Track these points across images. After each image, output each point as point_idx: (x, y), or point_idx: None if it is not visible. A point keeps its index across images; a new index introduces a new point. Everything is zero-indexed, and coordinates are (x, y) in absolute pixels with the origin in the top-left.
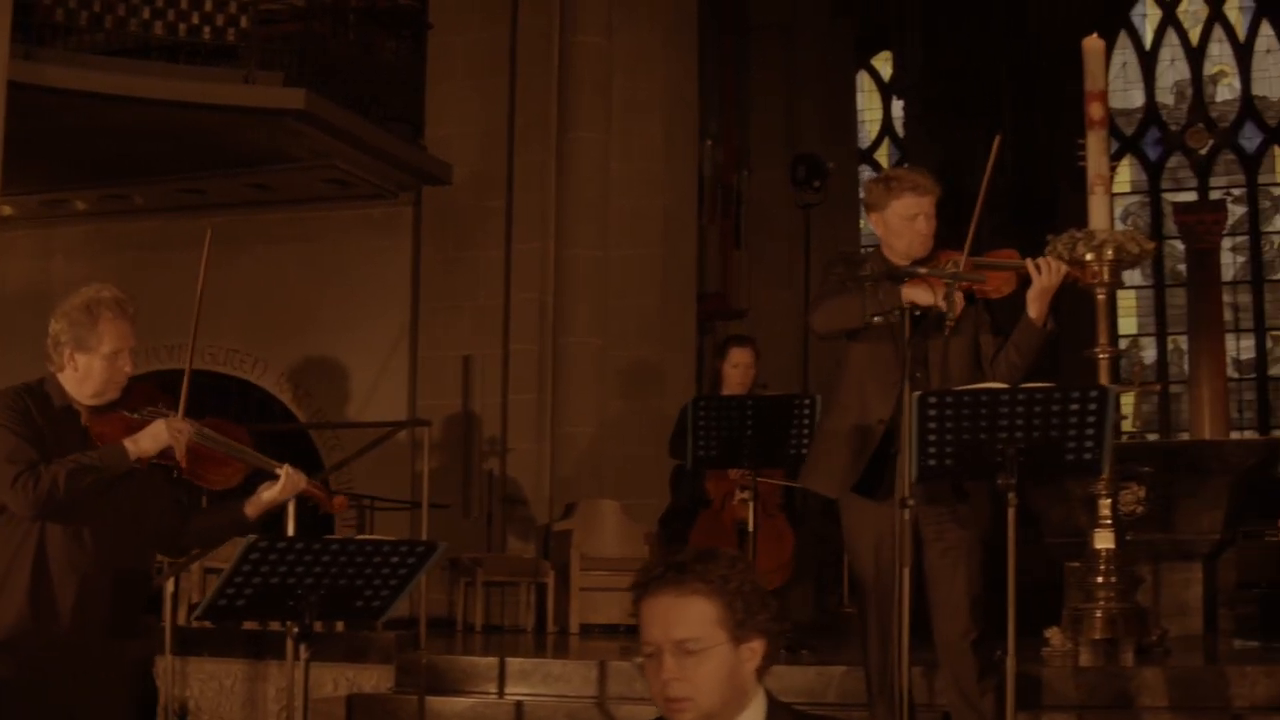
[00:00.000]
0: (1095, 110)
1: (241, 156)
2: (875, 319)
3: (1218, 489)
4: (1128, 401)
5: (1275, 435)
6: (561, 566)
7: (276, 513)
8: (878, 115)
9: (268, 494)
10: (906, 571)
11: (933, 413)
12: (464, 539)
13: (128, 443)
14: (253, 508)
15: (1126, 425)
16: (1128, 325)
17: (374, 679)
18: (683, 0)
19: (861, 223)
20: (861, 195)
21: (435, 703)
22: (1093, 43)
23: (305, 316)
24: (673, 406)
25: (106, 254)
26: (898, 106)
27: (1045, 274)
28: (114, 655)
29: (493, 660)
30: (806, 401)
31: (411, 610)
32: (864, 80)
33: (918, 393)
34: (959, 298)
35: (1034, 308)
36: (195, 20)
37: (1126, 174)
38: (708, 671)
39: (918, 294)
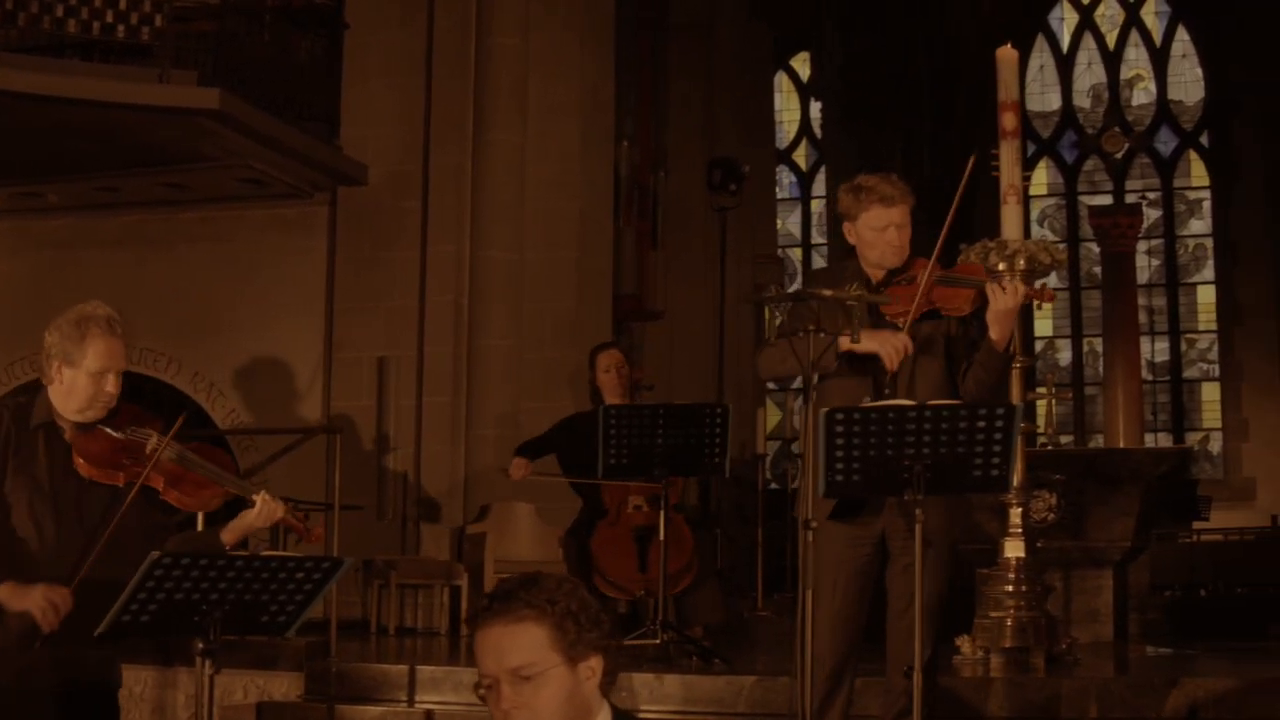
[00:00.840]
0: (1008, 120)
1: (156, 155)
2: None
3: (1129, 497)
4: (1041, 407)
5: (1186, 444)
6: (475, 569)
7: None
8: (796, 115)
9: (245, 521)
10: (810, 594)
11: (840, 429)
12: (378, 541)
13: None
14: (230, 534)
15: (1040, 426)
16: (1043, 327)
17: (284, 686)
18: (600, 1)
19: (779, 223)
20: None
21: (345, 711)
22: (1006, 53)
23: (220, 316)
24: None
25: (20, 251)
26: (815, 107)
27: (1004, 295)
28: (73, 665)
29: (403, 668)
30: (718, 410)
31: (325, 613)
32: (782, 80)
33: (825, 409)
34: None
35: (995, 329)
36: (109, 18)
37: (1043, 176)
38: (547, 696)
39: (863, 345)
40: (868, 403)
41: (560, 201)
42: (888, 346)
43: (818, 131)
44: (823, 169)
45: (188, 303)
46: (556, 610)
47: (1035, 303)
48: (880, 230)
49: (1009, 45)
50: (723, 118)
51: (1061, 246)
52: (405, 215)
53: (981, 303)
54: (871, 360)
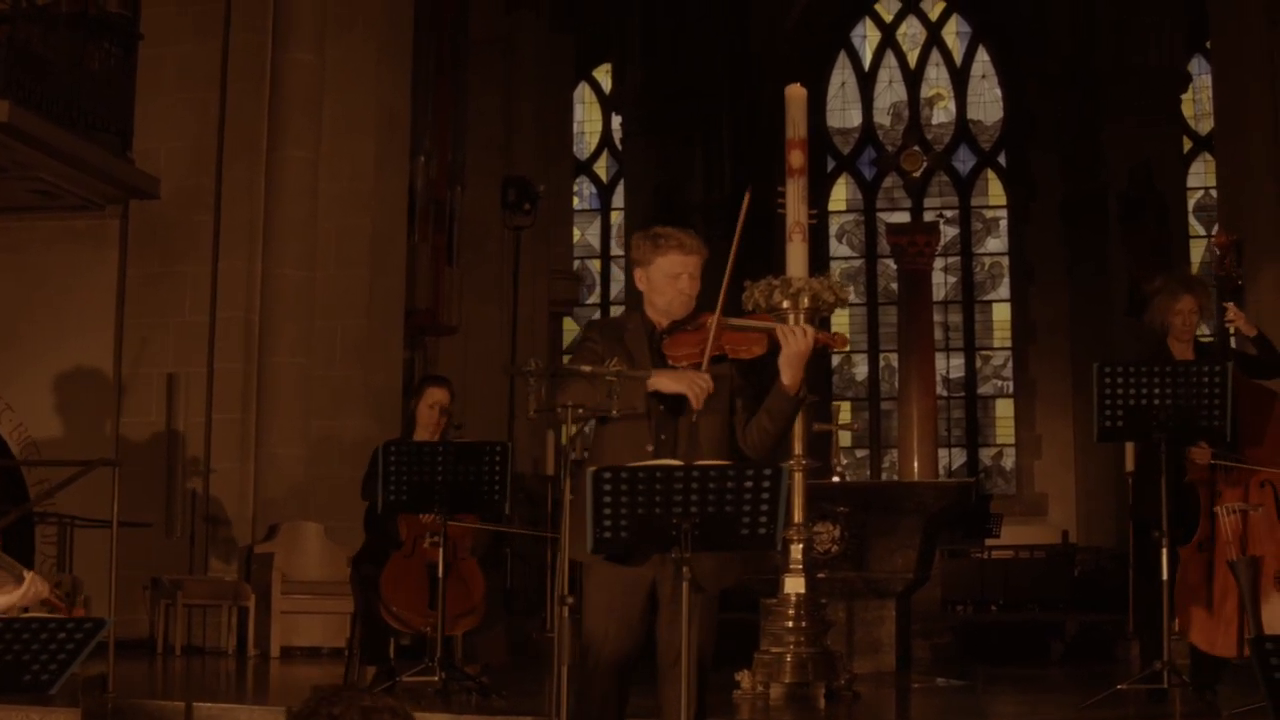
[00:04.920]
0: (795, 158)
1: None
2: (616, 414)
3: (911, 529)
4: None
5: (970, 478)
6: (263, 588)
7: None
8: (598, 127)
9: (5, 600)
10: (565, 670)
11: (608, 488)
12: (166, 559)
13: None
14: None
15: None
16: None
17: None
18: (398, 16)
19: (579, 234)
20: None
21: None
22: (794, 90)
23: (9, 328)
24: (376, 428)
25: None
26: (617, 120)
27: (793, 340)
28: None
29: (179, 705)
30: (498, 448)
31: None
32: (585, 92)
33: (593, 468)
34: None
35: (786, 374)
36: None
37: (842, 193)
38: None
39: (662, 383)
40: (649, 450)
41: (353, 218)
42: (695, 387)
43: (619, 144)
44: (622, 181)
45: None
46: None
47: (828, 347)
48: (674, 277)
49: (798, 84)
50: (522, 131)
51: (846, 284)
52: (197, 230)
53: (772, 347)
54: (658, 407)
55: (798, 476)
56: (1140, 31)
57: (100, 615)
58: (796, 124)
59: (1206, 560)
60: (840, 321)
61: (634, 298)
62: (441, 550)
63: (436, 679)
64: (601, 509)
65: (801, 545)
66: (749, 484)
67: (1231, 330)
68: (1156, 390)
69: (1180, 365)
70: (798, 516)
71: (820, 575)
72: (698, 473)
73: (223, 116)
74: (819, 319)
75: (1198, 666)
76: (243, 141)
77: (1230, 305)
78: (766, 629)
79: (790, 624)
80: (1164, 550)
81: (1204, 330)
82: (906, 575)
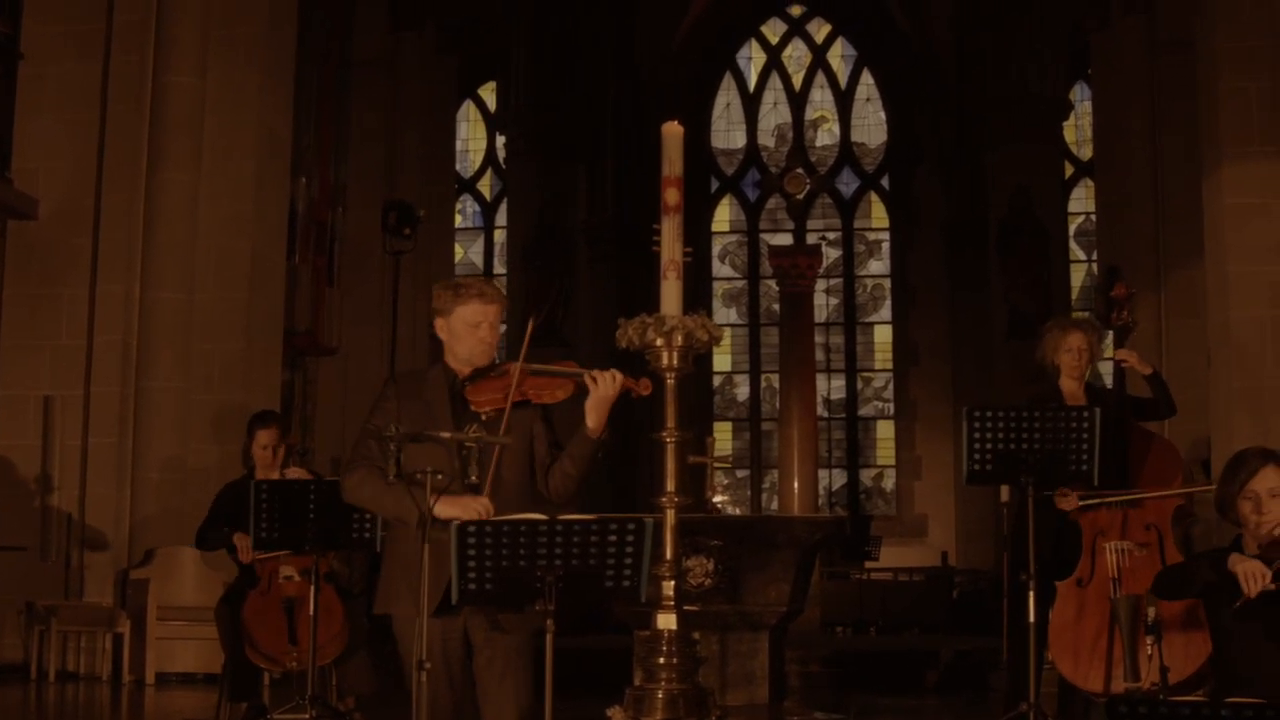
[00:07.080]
0: (671, 196)
1: None
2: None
3: (785, 562)
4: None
5: (842, 514)
6: (138, 614)
7: None
8: (482, 145)
9: None
10: None
11: (472, 540)
12: (41, 583)
13: None
14: None
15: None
16: (722, 362)
17: None
18: (280, 38)
19: (460, 252)
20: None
21: None
22: (671, 128)
23: None
24: None
25: None
26: (502, 139)
27: (603, 385)
28: None
29: None
30: None
31: None
32: (470, 110)
33: (457, 522)
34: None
35: (591, 418)
36: None
37: (726, 214)
38: None
39: (441, 510)
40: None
41: (233, 241)
42: (470, 512)
43: (503, 162)
44: (506, 200)
45: None
46: None
47: (633, 393)
48: (474, 326)
49: (675, 121)
50: (405, 151)
51: (719, 323)
52: (76, 252)
53: (578, 392)
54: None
55: (669, 512)
56: (1023, 58)
57: None
58: (673, 161)
59: (1084, 595)
60: (721, 343)
61: (511, 316)
62: (314, 587)
63: (307, 716)
64: (466, 561)
65: (673, 581)
66: (613, 537)
67: (1126, 365)
68: (1025, 435)
69: (1049, 410)
70: (669, 552)
71: (694, 608)
72: (561, 526)
73: (103, 138)
74: (693, 356)
75: (1065, 699)
76: (123, 163)
77: (1122, 351)
78: (638, 663)
79: (662, 660)
80: (1031, 595)
81: (1105, 357)
82: (780, 608)
